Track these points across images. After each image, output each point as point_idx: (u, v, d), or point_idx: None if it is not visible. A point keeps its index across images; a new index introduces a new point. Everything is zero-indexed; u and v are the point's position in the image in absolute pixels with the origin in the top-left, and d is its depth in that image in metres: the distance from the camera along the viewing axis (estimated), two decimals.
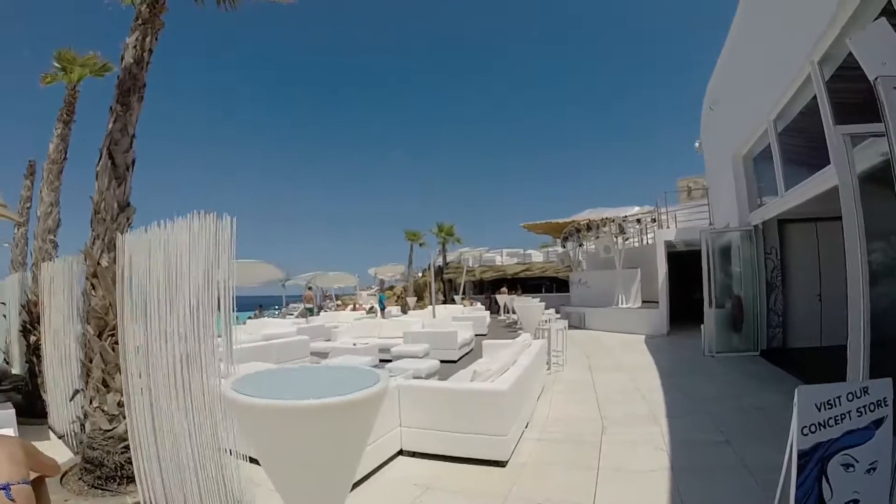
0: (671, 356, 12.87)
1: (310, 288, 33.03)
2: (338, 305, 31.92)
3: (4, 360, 11.91)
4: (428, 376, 9.64)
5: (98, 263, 6.02)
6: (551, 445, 6.33)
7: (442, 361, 12.49)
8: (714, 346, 12.03)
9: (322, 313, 26.22)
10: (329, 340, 15.53)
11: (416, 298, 33.69)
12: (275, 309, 31.36)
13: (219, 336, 13.00)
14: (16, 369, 10.35)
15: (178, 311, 4.95)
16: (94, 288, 6.12)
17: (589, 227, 21.88)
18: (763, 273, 12.13)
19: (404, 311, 28.31)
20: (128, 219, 6.02)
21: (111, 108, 6.13)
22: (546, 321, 13.55)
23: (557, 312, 21.50)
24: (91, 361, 6.09)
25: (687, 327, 17.16)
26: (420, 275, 40.23)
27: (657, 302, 17.66)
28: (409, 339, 14.11)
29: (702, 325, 12.53)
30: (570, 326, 20.67)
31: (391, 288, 43.06)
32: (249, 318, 26.96)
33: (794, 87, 8.75)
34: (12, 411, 7.13)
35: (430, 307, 27.82)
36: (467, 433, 5.78)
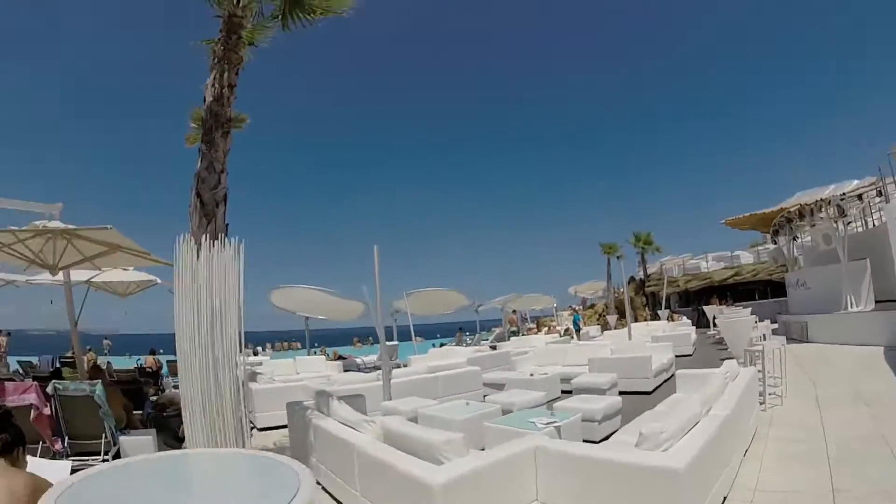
0: None
1: (514, 311, 32.33)
2: (529, 329, 30.71)
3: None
4: (604, 419, 8.28)
5: None
6: None
7: (633, 393, 11.41)
8: None
9: (512, 338, 25.21)
10: (510, 370, 14.42)
11: (616, 316, 31.64)
12: (467, 335, 30.93)
13: (404, 365, 12.78)
14: None
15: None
16: None
17: (801, 215, 18.65)
18: None
19: (603, 331, 26.61)
20: None
21: (199, 148, 6.23)
22: (760, 338, 11.53)
23: (774, 322, 18.84)
24: None
25: None
26: (621, 290, 38.04)
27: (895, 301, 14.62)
28: (595, 367, 12.61)
29: None
30: (790, 339, 17.99)
31: (592, 306, 41.27)
32: (443, 344, 26.81)
33: None
34: (150, 438, 7.15)
35: (633, 325, 25.92)
36: None
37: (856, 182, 17.83)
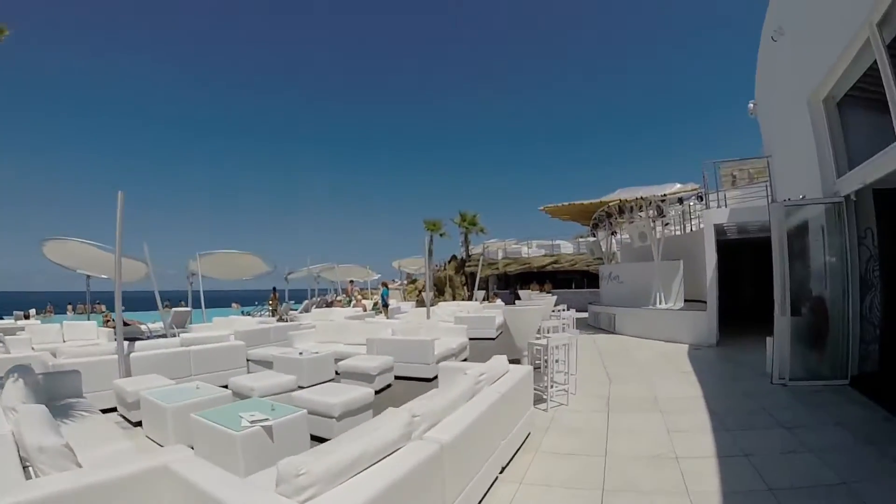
0: (726, 383, 9.06)
1: (351, 281, 30.49)
2: (336, 300, 28.62)
3: None
4: (345, 415, 6.57)
5: None
6: None
7: (415, 379, 10.12)
8: (787, 371, 8.26)
9: (314, 310, 23.11)
10: (287, 346, 12.49)
11: (432, 294, 30.37)
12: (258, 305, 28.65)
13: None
14: None
15: None
16: None
17: (621, 211, 17.90)
18: (855, 265, 8.43)
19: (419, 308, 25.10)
20: None
21: None
22: (554, 329, 10.11)
23: (583, 311, 18.11)
24: None
25: (739, 335, 13.66)
26: (441, 268, 36.88)
27: (703, 302, 14.03)
28: (374, 348, 11.04)
29: (768, 339, 8.84)
30: (599, 329, 17.40)
31: (414, 281, 40.05)
32: (248, 313, 24.74)
33: None
34: None
35: (444, 303, 24.58)
36: None
37: (678, 185, 17.14)
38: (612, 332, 16.70)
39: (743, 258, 18.70)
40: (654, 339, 14.54)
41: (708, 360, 11.22)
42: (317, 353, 10.47)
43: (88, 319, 19.12)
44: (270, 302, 25.15)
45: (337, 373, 10.08)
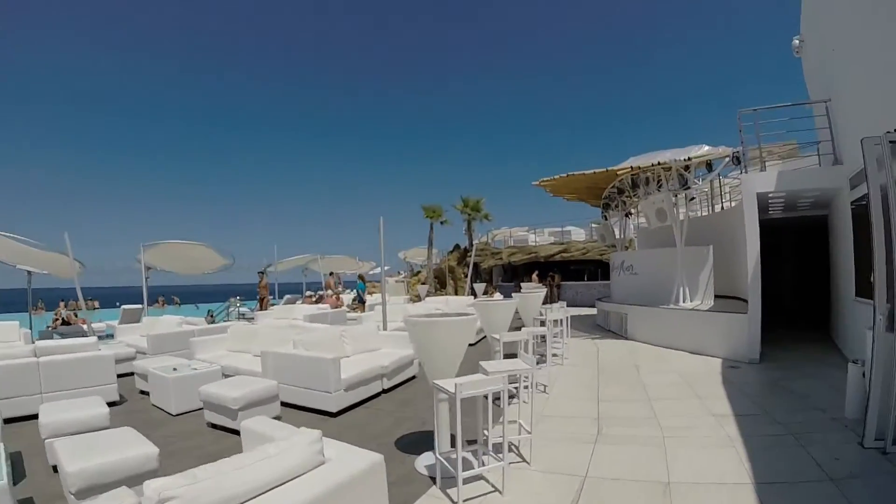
0: (787, 444, 5.30)
1: (331, 274, 27.69)
2: (307, 297, 25.55)
3: None
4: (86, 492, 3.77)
5: None
6: None
7: (313, 411, 7.26)
8: (890, 427, 4.77)
9: (274, 307, 20.07)
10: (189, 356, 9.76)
11: (428, 287, 27.41)
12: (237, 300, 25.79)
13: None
14: None
15: None
16: None
17: (635, 184, 14.20)
18: None
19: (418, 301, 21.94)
20: None
21: None
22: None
23: (593, 308, 14.83)
24: None
25: (785, 345, 10.59)
26: (443, 259, 33.73)
27: (739, 299, 10.72)
28: (267, 366, 7.97)
29: (850, 366, 5.53)
30: (608, 332, 14.24)
31: (417, 273, 37.07)
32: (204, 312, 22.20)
33: None
34: None
35: (431, 299, 21.45)
36: None
37: (706, 147, 13.34)
38: (624, 337, 13.34)
39: (783, 244, 15.41)
40: (676, 348, 11.19)
41: (751, 389, 7.73)
42: (195, 370, 7.80)
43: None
44: (260, 289, 21.32)
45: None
